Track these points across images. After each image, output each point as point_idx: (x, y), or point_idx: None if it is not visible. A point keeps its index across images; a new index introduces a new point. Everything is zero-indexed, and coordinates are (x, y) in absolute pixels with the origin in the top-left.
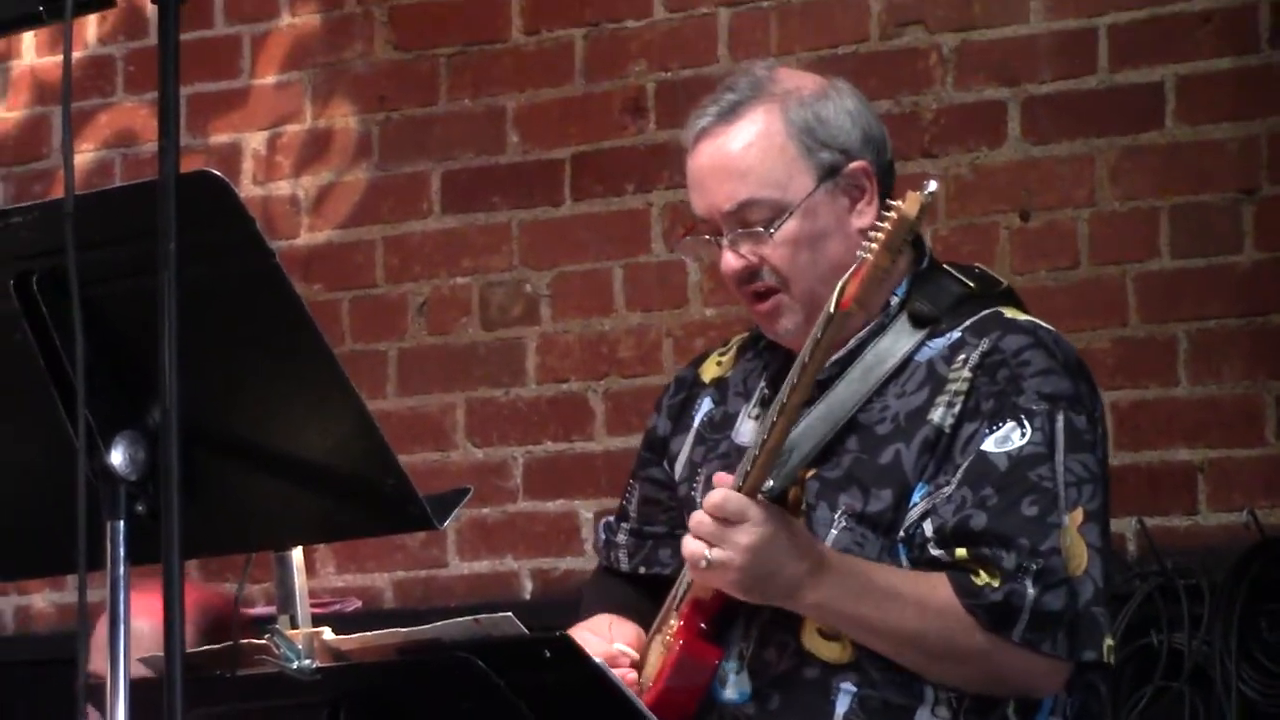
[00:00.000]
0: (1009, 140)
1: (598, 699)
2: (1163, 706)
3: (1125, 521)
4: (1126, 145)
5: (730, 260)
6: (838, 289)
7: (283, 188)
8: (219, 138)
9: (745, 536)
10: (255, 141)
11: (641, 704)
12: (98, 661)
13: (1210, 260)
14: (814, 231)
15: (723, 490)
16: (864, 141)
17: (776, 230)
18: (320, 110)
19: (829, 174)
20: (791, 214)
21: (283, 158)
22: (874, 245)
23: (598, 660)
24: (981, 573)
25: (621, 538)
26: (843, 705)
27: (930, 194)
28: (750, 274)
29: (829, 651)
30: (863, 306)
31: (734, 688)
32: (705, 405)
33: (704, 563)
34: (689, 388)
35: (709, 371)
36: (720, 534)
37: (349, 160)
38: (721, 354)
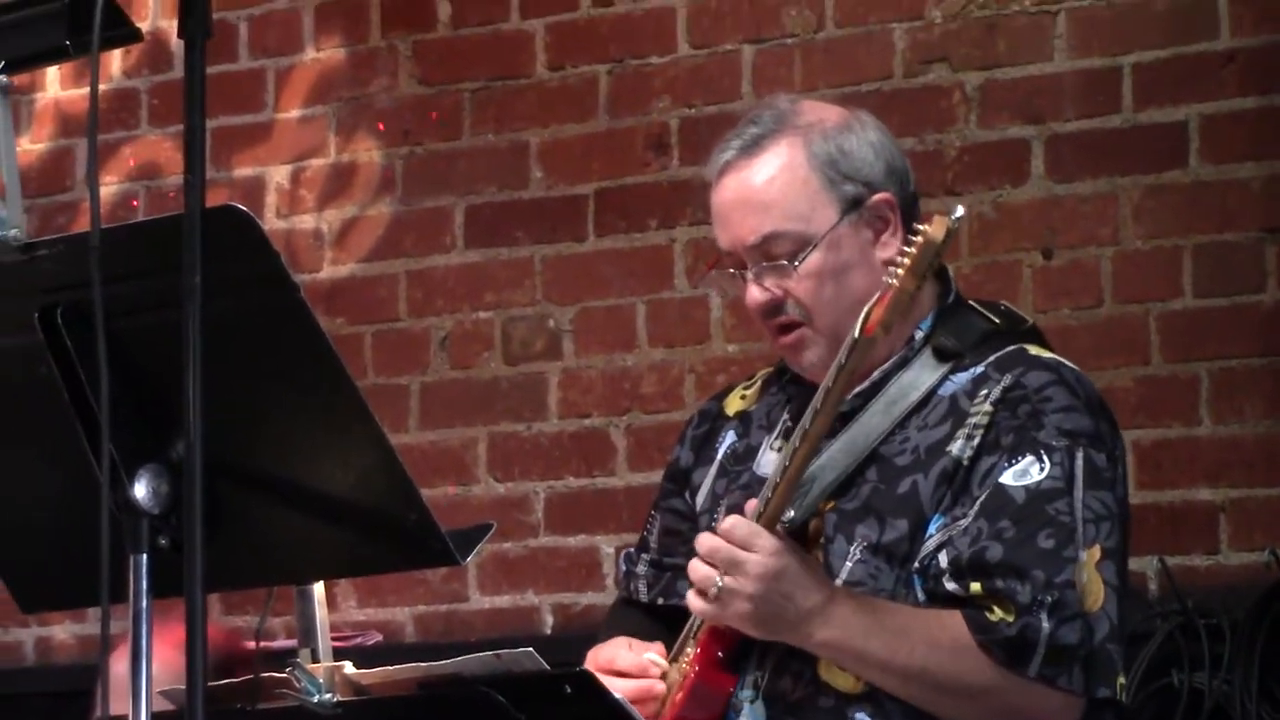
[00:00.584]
0: (1032, 178)
1: None
2: None
3: (1146, 560)
4: (1150, 184)
5: (755, 294)
6: (863, 315)
7: (306, 221)
8: (243, 171)
9: (755, 567)
10: (279, 175)
11: None
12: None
13: (1233, 299)
14: (838, 264)
15: (734, 517)
16: (887, 173)
17: (800, 263)
18: (344, 144)
19: (852, 206)
20: (815, 247)
21: (306, 191)
22: (899, 270)
23: (618, 696)
24: (996, 609)
25: (641, 568)
26: None
27: (958, 219)
28: (774, 307)
29: (844, 681)
30: (887, 332)
31: (748, 716)
32: (729, 438)
33: (714, 589)
34: (712, 420)
35: (733, 405)
36: (731, 561)
37: (372, 194)
38: (746, 387)
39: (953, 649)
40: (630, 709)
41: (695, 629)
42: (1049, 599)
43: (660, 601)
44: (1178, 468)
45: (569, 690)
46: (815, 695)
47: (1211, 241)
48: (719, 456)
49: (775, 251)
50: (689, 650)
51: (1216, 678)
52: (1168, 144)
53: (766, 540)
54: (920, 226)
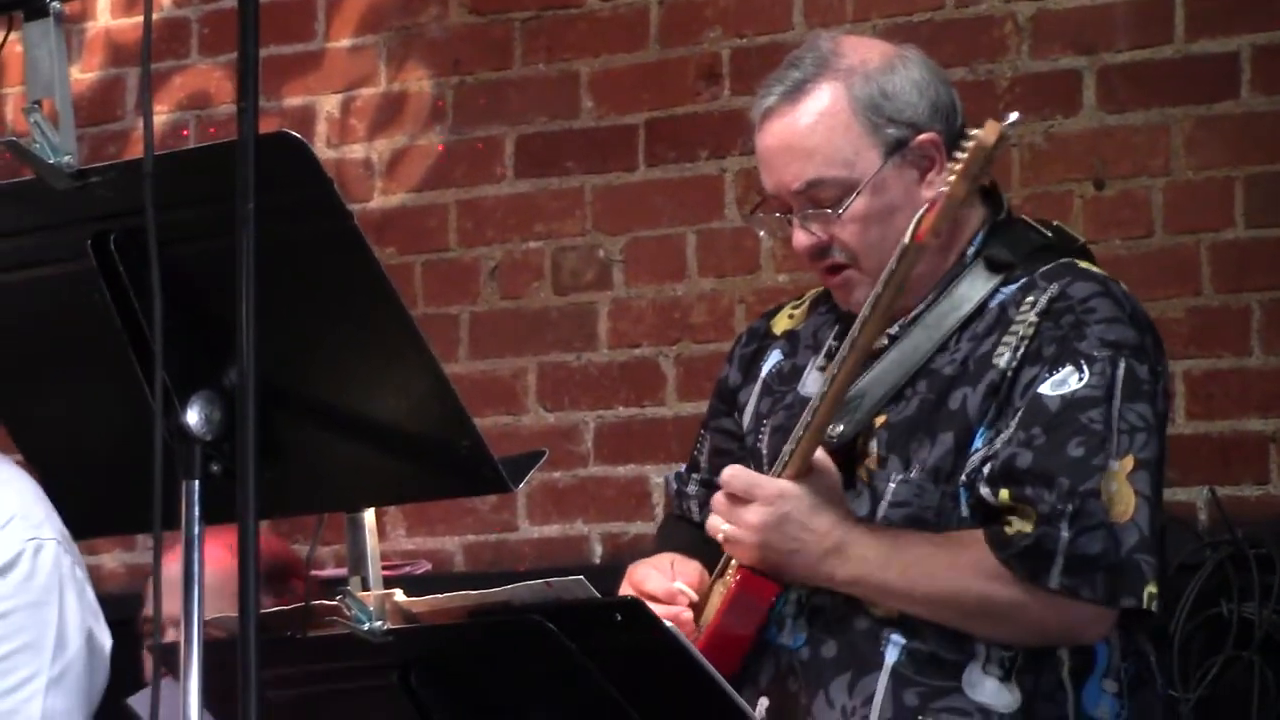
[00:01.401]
0: (1084, 109)
1: (669, 662)
2: (1233, 676)
3: (1197, 491)
4: (1201, 115)
5: (801, 238)
6: (914, 221)
7: (356, 151)
8: (293, 100)
9: (754, 515)
10: (329, 105)
11: (712, 668)
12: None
13: None
14: (883, 207)
15: (733, 467)
16: (932, 112)
17: (845, 209)
18: (395, 74)
19: (896, 148)
20: (860, 192)
21: (357, 121)
22: (952, 176)
23: (669, 624)
24: (1014, 520)
25: (692, 488)
26: (892, 656)
27: (1012, 123)
28: (821, 250)
29: (877, 605)
30: (937, 238)
31: (790, 633)
32: (774, 357)
33: (720, 536)
34: (760, 339)
35: (780, 324)
36: (730, 512)
37: (423, 124)
38: (795, 307)
39: (974, 571)
40: (681, 637)
41: None
42: (1069, 508)
43: None
44: (1228, 398)
45: (619, 618)
46: (851, 615)
47: (1263, 172)
48: (763, 375)
49: (820, 197)
50: (734, 563)
51: (1266, 607)
52: (1219, 74)
53: (766, 489)
54: (973, 131)
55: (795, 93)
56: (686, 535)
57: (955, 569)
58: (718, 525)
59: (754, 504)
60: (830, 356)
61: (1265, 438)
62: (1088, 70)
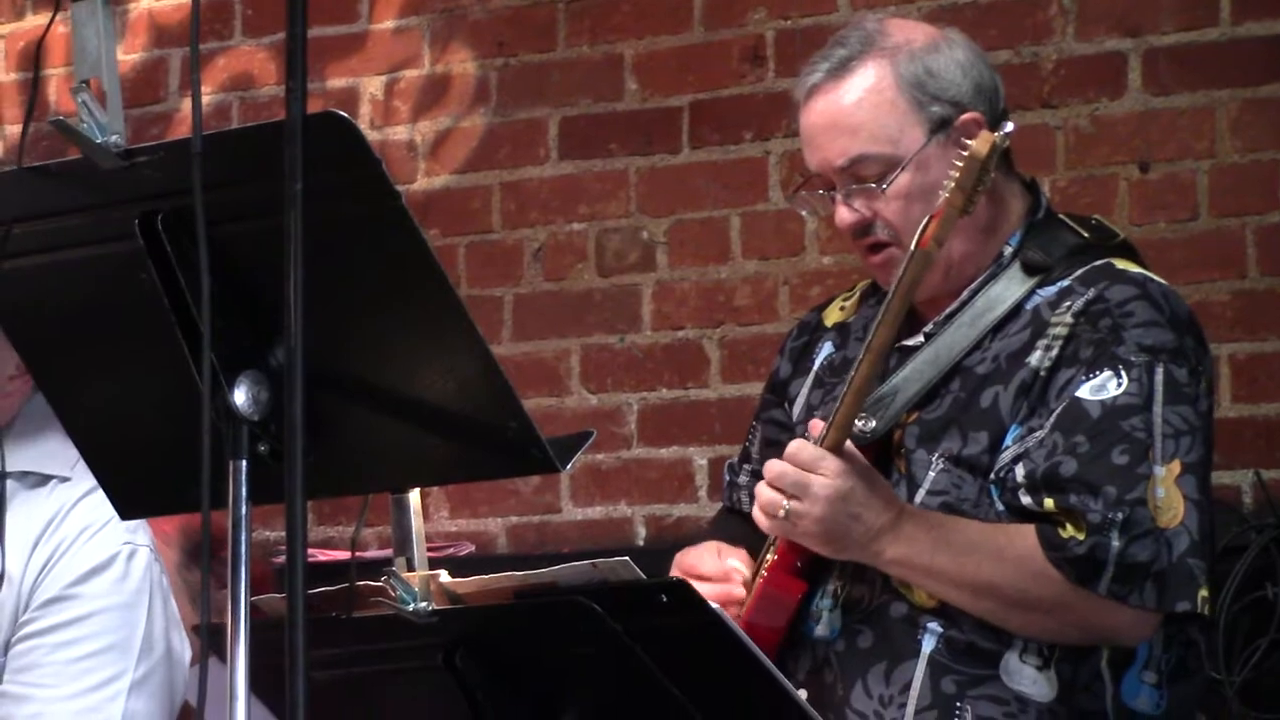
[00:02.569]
0: (1129, 91)
1: (714, 644)
2: (1277, 659)
3: (1242, 474)
4: (1247, 97)
5: (844, 214)
6: (920, 228)
7: (400, 133)
8: (336, 82)
9: (822, 488)
10: (373, 86)
11: (757, 648)
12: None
13: None
14: (926, 185)
15: (799, 441)
16: (975, 92)
17: (889, 185)
18: (438, 55)
19: (940, 127)
20: (903, 169)
21: (400, 103)
22: (950, 184)
23: (715, 606)
24: (1069, 525)
25: (744, 479)
26: (929, 644)
27: (1006, 135)
28: (864, 228)
29: (917, 594)
30: (940, 246)
31: (826, 625)
32: (826, 349)
33: (782, 513)
34: (812, 331)
35: (832, 316)
36: (798, 484)
37: (466, 106)
38: (845, 299)
39: (1018, 564)
40: (727, 618)
41: (775, 538)
42: (1119, 516)
43: None
44: (1273, 381)
45: (665, 600)
46: (889, 604)
47: None
48: (815, 368)
49: (864, 173)
50: (768, 558)
51: None
52: (1266, 57)
53: (831, 463)
54: (968, 141)
55: (841, 70)
56: (738, 526)
57: (1002, 561)
58: (778, 501)
59: (821, 477)
60: None
61: None
62: (1133, 53)
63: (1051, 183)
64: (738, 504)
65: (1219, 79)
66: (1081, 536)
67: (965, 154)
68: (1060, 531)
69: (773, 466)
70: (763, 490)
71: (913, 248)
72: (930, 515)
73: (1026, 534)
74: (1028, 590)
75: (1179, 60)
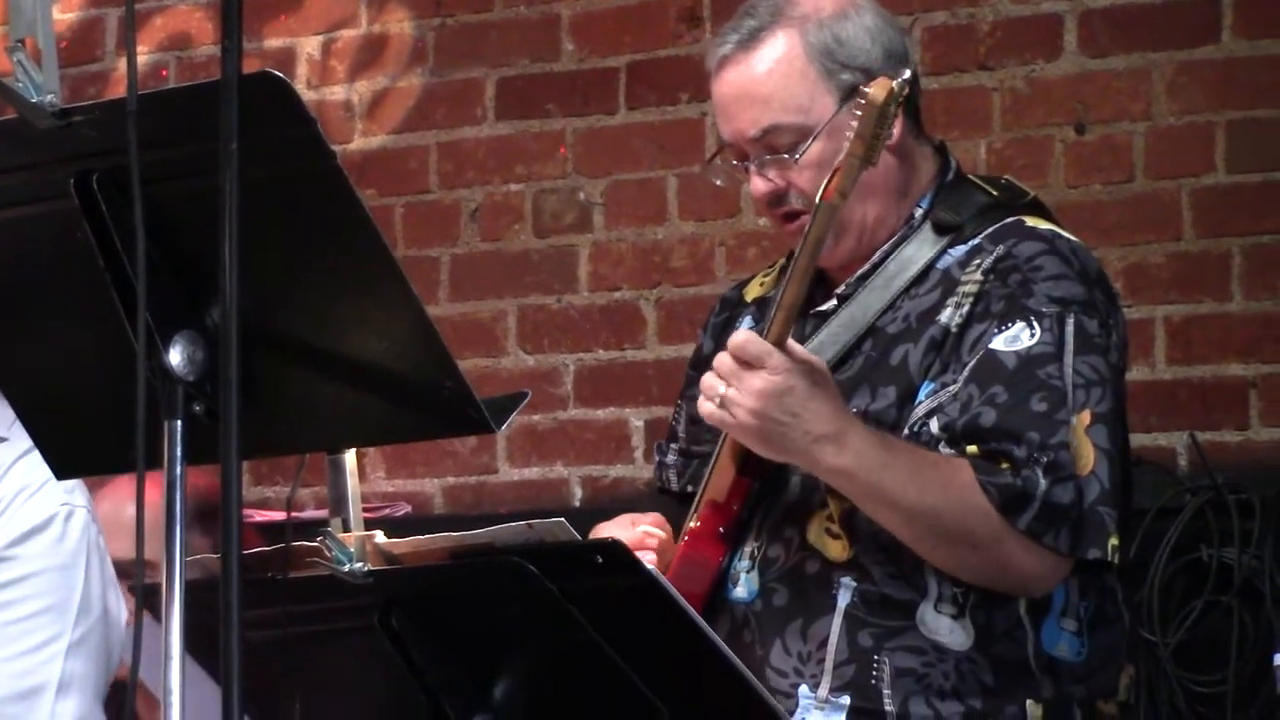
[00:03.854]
0: (1065, 53)
1: (649, 605)
2: (1212, 620)
3: (1177, 436)
4: (1183, 59)
5: (759, 184)
6: (824, 182)
7: (337, 93)
8: (273, 42)
9: (760, 381)
10: (310, 46)
11: (692, 610)
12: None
13: (1266, 175)
14: (838, 152)
15: (749, 333)
16: (885, 58)
17: (801, 155)
18: (375, 15)
19: (851, 94)
20: (815, 138)
21: (337, 62)
22: (850, 134)
23: (650, 567)
24: (1003, 463)
25: (671, 458)
26: (844, 599)
27: (904, 81)
28: (778, 197)
29: (832, 549)
30: (844, 198)
31: (744, 586)
32: (745, 323)
33: (717, 399)
34: (733, 307)
35: (752, 291)
36: (736, 375)
37: (404, 66)
38: (766, 274)
39: (961, 495)
40: (662, 580)
41: (698, 504)
42: (1044, 459)
43: (690, 489)
44: (1209, 343)
45: (601, 561)
46: (804, 562)
47: (1244, 117)
48: None
49: (776, 143)
50: (691, 524)
51: (1245, 553)
52: (1201, 19)
53: (777, 359)
54: (865, 89)
55: (751, 41)
56: (666, 508)
57: (947, 489)
58: (715, 387)
59: (763, 370)
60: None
61: (1245, 382)
62: (1069, 15)
63: (987, 144)
64: (667, 484)
65: (1155, 41)
66: (1012, 472)
67: (863, 101)
68: (996, 464)
69: (722, 358)
70: (706, 376)
71: (818, 200)
72: (879, 434)
73: (966, 467)
74: (965, 522)
75: (1115, 22)
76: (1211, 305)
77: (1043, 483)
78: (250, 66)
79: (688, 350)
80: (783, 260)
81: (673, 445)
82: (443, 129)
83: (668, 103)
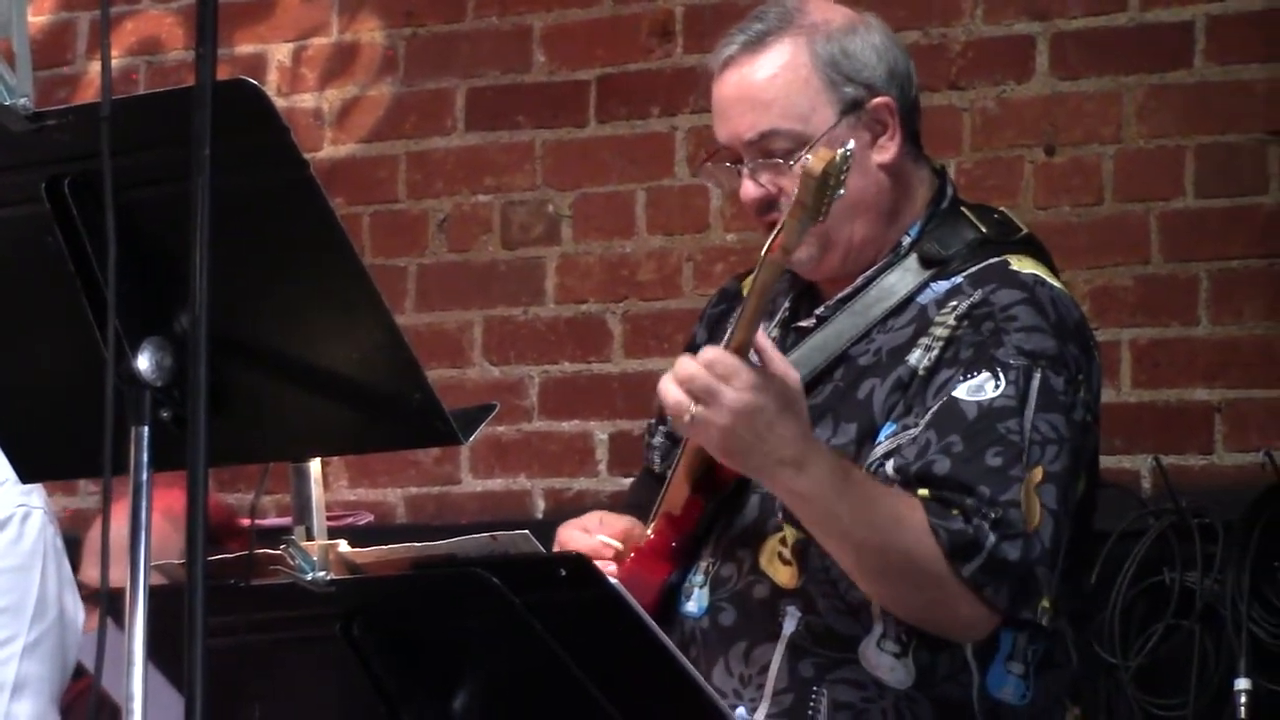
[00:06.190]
0: (1037, 75)
1: (612, 619)
2: (1173, 644)
3: (1141, 459)
4: (1154, 83)
5: (750, 189)
6: (771, 235)
7: (307, 100)
8: (244, 48)
9: (731, 398)
10: (280, 53)
11: (654, 624)
12: (89, 570)
13: (1234, 200)
14: None
15: (718, 350)
16: (889, 77)
17: (796, 162)
18: (346, 24)
19: (852, 108)
20: (812, 146)
21: (307, 70)
22: (792, 197)
23: (613, 581)
24: (954, 509)
25: (657, 440)
26: (789, 627)
27: (846, 154)
28: (768, 204)
29: (781, 575)
30: (788, 255)
31: (695, 601)
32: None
33: (687, 417)
34: (730, 300)
35: (749, 285)
36: (707, 390)
37: (374, 75)
38: None
39: (913, 530)
40: (624, 593)
41: (654, 515)
42: (993, 514)
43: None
44: (1174, 367)
45: (563, 574)
46: (753, 585)
47: (1214, 142)
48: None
49: (772, 149)
50: (647, 534)
51: (1208, 577)
52: (1173, 44)
53: (746, 376)
54: (805, 155)
55: (757, 44)
56: (650, 490)
57: (899, 525)
58: (684, 406)
59: (730, 389)
60: (782, 325)
61: (1210, 407)
62: (1041, 36)
63: (957, 164)
64: (650, 463)
65: (1127, 64)
66: (964, 520)
67: (803, 169)
68: (948, 509)
69: (685, 367)
70: (670, 389)
71: (763, 254)
72: (842, 462)
73: (919, 508)
74: (911, 560)
75: (1087, 44)
76: (1178, 329)
77: (991, 536)
78: (221, 73)
79: (653, 364)
80: None
81: (660, 427)
82: (412, 139)
83: (638, 116)
